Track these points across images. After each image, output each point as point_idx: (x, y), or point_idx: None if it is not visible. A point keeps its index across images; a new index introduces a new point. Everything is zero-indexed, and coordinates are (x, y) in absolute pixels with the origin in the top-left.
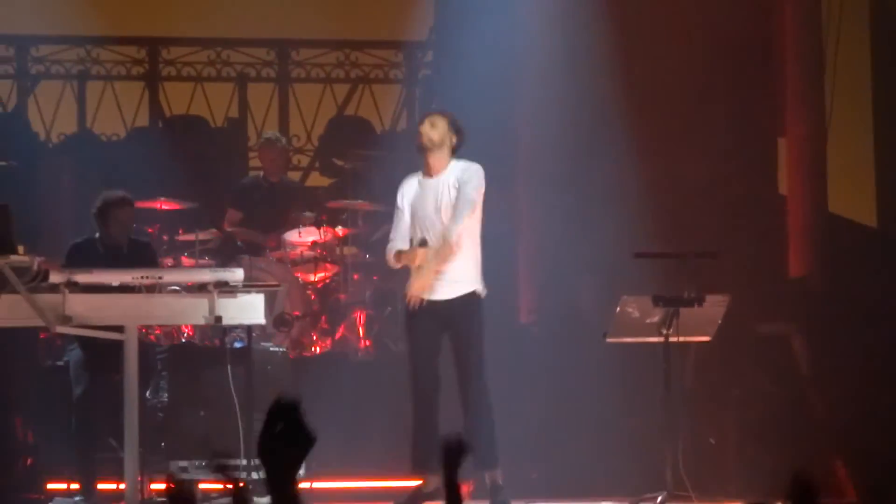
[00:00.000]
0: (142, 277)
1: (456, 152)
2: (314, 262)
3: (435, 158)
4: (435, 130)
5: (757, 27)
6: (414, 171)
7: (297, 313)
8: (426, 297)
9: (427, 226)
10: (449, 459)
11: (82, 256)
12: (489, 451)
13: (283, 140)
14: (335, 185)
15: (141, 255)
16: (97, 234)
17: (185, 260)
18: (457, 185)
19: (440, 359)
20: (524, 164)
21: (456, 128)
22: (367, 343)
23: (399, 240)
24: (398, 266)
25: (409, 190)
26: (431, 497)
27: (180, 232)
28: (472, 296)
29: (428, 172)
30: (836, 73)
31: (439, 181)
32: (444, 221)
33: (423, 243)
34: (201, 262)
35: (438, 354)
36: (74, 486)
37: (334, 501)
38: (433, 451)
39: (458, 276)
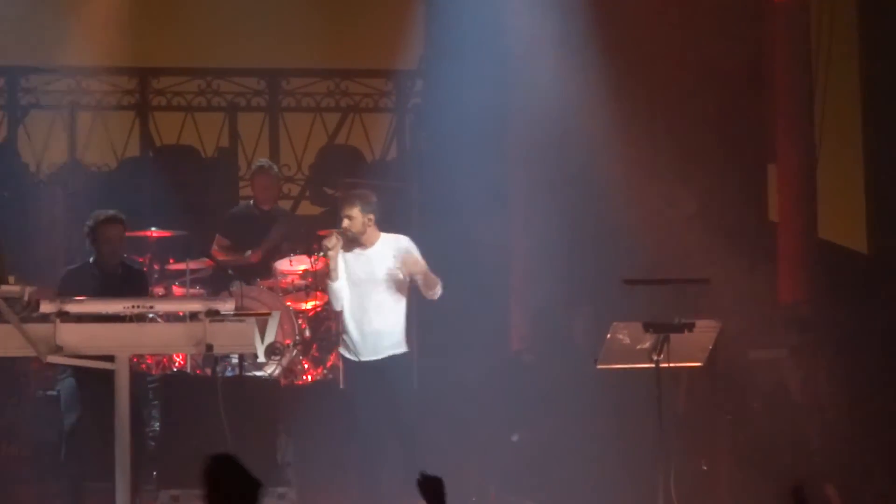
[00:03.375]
0: (132, 307)
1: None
2: (305, 291)
3: (365, 238)
4: (353, 223)
5: (747, 56)
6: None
7: (288, 342)
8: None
9: (358, 292)
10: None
11: (77, 281)
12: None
13: (276, 168)
14: (326, 213)
15: (134, 279)
16: (91, 259)
17: (176, 289)
18: (394, 261)
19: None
20: (516, 193)
21: (370, 208)
22: None
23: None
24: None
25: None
26: None
27: (171, 261)
28: (406, 356)
29: (361, 244)
30: (826, 100)
31: (371, 254)
32: (379, 292)
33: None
34: (192, 290)
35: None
36: None
37: None
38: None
39: (396, 338)
